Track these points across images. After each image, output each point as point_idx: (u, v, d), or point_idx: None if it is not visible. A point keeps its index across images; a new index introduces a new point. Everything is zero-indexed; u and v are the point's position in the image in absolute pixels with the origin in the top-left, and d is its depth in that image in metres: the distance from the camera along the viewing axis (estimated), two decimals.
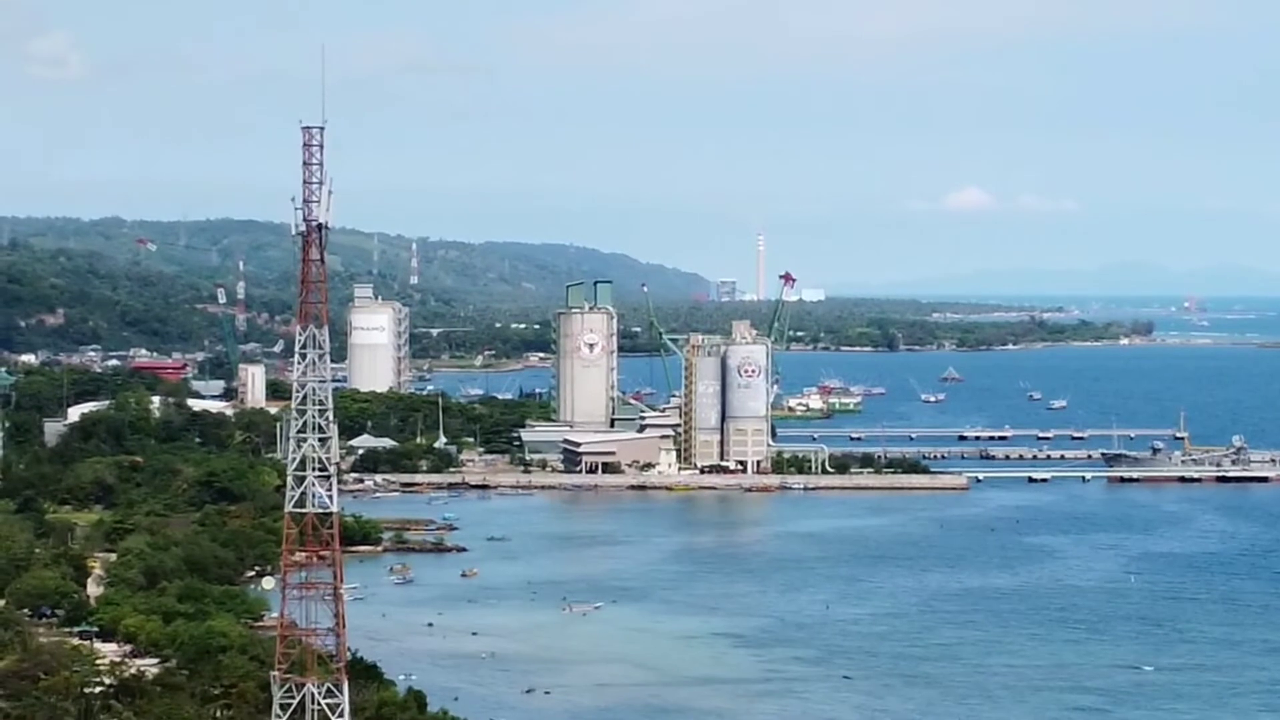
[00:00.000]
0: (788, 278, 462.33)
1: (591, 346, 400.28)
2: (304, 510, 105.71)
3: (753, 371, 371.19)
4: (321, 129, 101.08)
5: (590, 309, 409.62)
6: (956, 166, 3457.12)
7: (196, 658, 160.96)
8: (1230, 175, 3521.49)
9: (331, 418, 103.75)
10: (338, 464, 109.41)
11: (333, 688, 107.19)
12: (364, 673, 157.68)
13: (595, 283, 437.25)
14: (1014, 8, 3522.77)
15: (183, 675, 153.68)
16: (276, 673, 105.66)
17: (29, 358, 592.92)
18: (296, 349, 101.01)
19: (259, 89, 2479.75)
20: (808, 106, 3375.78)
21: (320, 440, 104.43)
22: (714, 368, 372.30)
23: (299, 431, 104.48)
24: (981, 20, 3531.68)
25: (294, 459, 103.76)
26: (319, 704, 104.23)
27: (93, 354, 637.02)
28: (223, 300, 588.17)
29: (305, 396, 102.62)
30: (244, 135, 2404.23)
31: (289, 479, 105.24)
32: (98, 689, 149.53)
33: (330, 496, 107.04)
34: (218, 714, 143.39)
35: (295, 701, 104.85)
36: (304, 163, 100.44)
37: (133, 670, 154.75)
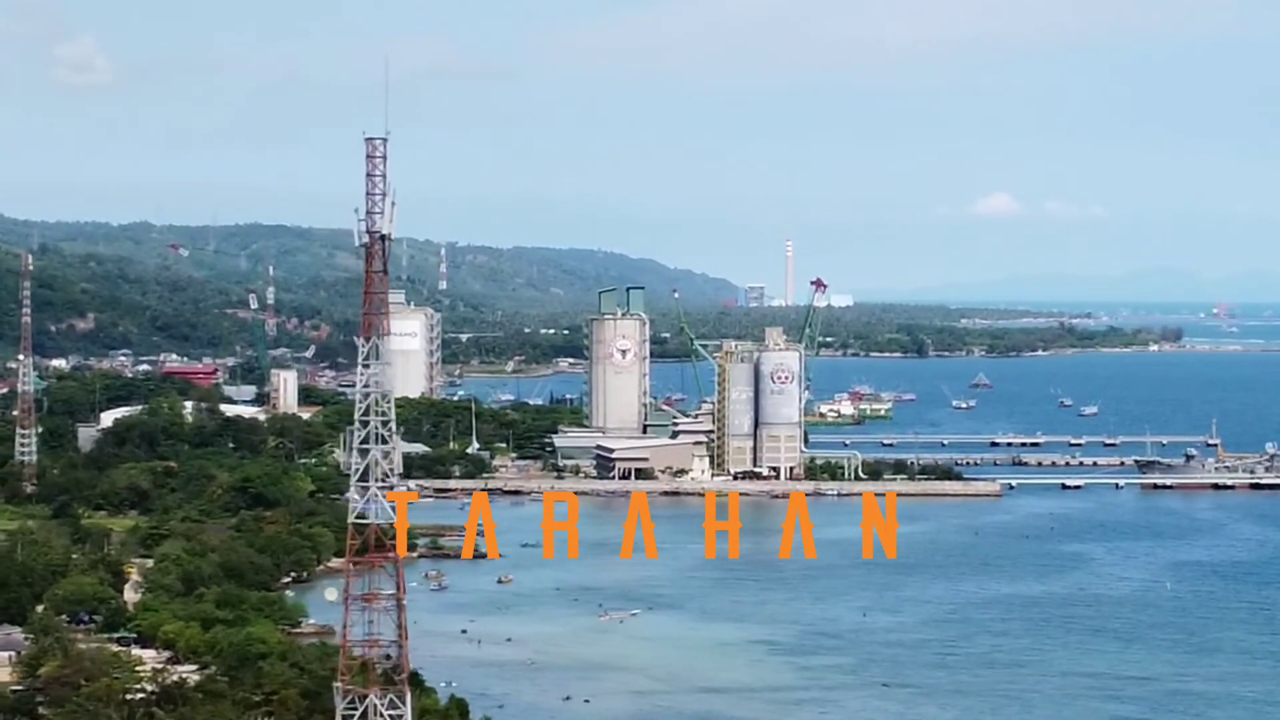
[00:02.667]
0: (819, 284, 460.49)
1: (624, 353, 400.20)
2: (367, 521, 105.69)
3: (786, 378, 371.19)
4: (384, 140, 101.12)
5: (623, 315, 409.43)
6: (984, 172, 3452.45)
7: (238, 665, 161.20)
8: (1260, 181, 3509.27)
9: (394, 427, 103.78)
10: (400, 474, 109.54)
11: (395, 699, 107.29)
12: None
13: (628, 289, 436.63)
14: (1041, 14, 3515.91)
15: (224, 682, 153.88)
16: (339, 684, 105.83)
17: (59, 362, 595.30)
18: (359, 359, 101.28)
19: (285, 93, 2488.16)
20: (835, 112, 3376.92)
21: (383, 451, 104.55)
22: (747, 374, 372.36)
23: (362, 442, 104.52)
24: (1008, 26, 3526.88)
25: (357, 469, 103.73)
26: (382, 715, 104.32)
27: (123, 359, 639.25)
28: (255, 305, 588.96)
29: (368, 407, 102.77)
30: (271, 140, 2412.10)
31: (352, 489, 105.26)
32: (139, 696, 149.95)
33: (392, 508, 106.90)
34: None
35: (358, 713, 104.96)
36: (367, 174, 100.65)
37: (175, 677, 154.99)
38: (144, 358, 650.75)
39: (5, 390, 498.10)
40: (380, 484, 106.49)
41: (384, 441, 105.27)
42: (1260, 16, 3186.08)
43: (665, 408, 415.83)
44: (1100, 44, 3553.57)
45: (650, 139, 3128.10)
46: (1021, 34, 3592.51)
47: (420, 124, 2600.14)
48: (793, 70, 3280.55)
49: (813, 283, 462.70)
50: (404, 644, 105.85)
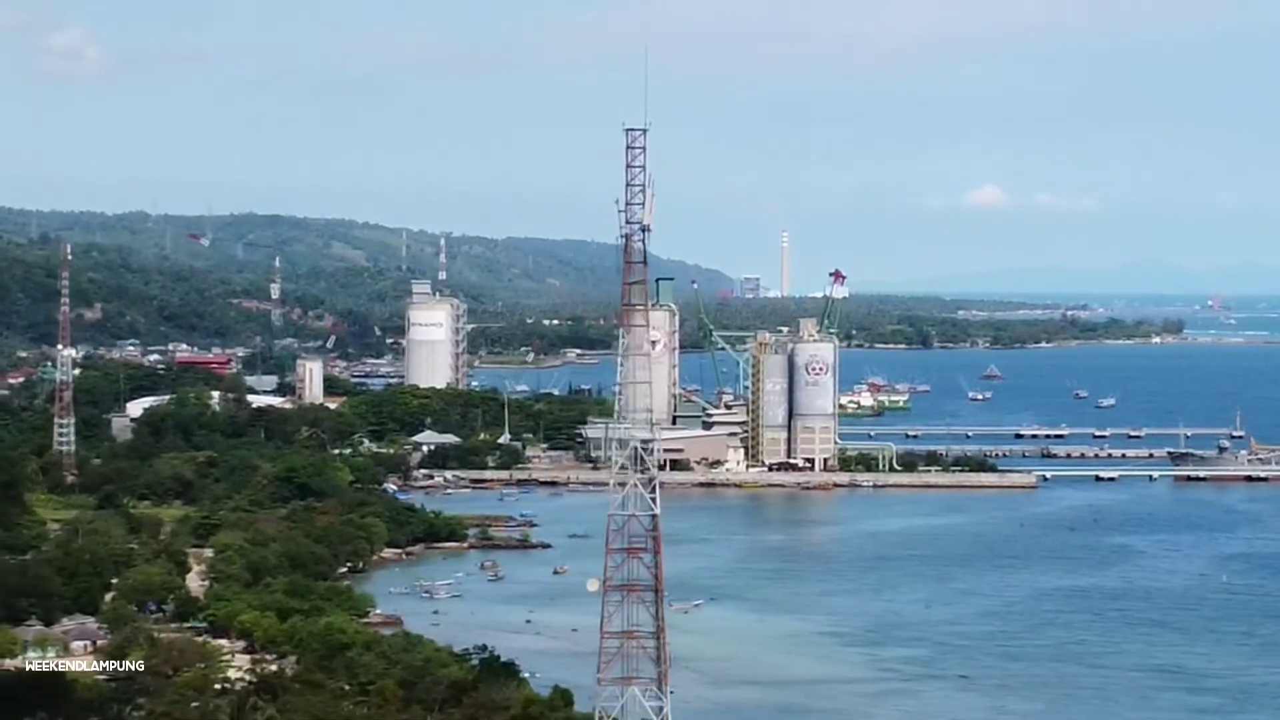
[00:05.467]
0: (838, 275, 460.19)
1: (654, 344, 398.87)
2: (626, 513, 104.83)
3: (820, 369, 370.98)
4: (644, 131, 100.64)
5: (652, 306, 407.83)
6: (974, 165, 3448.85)
7: (328, 655, 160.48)
8: (1250, 174, 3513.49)
9: (653, 420, 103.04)
10: (658, 466, 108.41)
11: (655, 690, 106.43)
12: (500, 670, 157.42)
13: (657, 279, 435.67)
14: (1034, 7, 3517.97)
15: (321, 673, 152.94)
16: (600, 675, 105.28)
17: (69, 352, 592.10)
18: (619, 350, 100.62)
19: (276, 83, 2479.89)
20: (827, 104, 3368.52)
21: (643, 443, 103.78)
22: (781, 365, 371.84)
23: (621, 433, 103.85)
24: (1001, 20, 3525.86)
25: (616, 463, 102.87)
26: (643, 707, 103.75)
27: (131, 349, 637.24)
28: (276, 295, 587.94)
29: (627, 399, 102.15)
30: (264, 131, 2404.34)
31: (611, 482, 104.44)
32: (238, 686, 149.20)
33: (652, 499, 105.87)
34: (365, 712, 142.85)
35: (619, 705, 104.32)
36: (627, 164, 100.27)
37: (273, 667, 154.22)
38: (152, 348, 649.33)
39: (22, 379, 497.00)
40: (641, 475, 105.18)
41: (647, 433, 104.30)
42: (1250, 13, 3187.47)
43: (693, 398, 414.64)
44: (1090, 38, 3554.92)
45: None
46: (1013, 28, 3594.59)
47: (410, 114, 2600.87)
48: (784, 62, 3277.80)
49: (831, 274, 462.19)
50: (663, 634, 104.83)
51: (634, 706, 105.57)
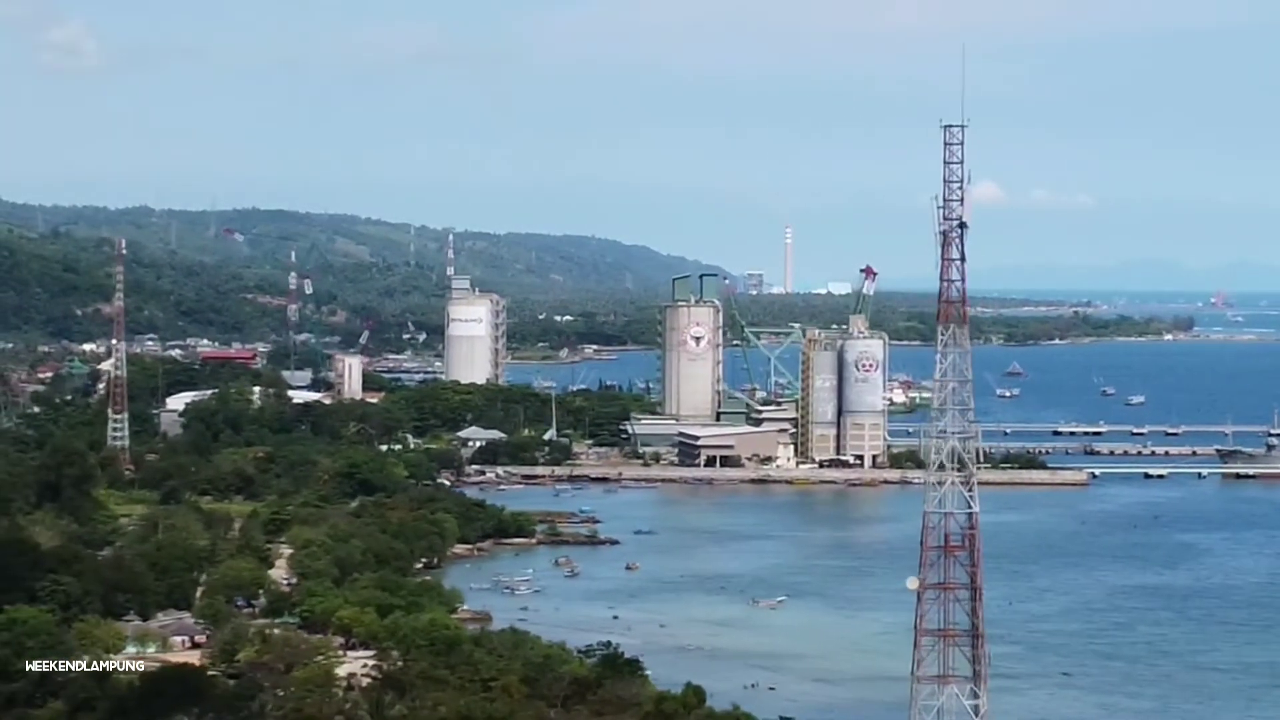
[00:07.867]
0: (869, 271, 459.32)
1: (698, 340, 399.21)
2: (943, 510, 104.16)
3: (870, 366, 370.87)
4: (963, 128, 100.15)
5: (696, 302, 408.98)
6: (971, 161, 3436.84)
7: (444, 651, 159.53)
8: (1246, 172, 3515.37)
9: (972, 418, 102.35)
10: (977, 464, 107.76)
11: (974, 689, 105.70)
12: (622, 667, 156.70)
13: (700, 275, 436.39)
14: (1031, 4, 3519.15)
15: (445, 670, 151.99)
16: (916, 673, 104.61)
17: (89, 346, 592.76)
18: (938, 347, 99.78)
19: (278, 78, 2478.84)
20: (824, 99, 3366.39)
21: (962, 439, 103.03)
22: (831, 361, 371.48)
23: (940, 431, 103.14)
24: (996, 15, 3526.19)
25: (935, 460, 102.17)
26: (963, 706, 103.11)
27: (151, 343, 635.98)
28: (309, 290, 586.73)
29: (947, 396, 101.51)
30: (266, 124, 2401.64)
31: (928, 479, 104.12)
32: (364, 682, 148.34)
33: (971, 497, 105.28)
34: (491, 708, 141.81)
35: (937, 705, 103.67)
36: (945, 161, 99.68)
37: (399, 663, 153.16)
38: (171, 343, 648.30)
39: (49, 374, 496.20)
40: (957, 473, 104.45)
41: (963, 430, 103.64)
42: (1246, 9, 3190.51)
43: (738, 394, 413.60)
44: (1086, 34, 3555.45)
45: (639, 125, 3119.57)
46: (1008, 23, 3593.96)
47: (411, 109, 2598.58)
48: (781, 57, 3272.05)
49: (863, 270, 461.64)
50: (980, 632, 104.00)
51: (951, 705, 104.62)
